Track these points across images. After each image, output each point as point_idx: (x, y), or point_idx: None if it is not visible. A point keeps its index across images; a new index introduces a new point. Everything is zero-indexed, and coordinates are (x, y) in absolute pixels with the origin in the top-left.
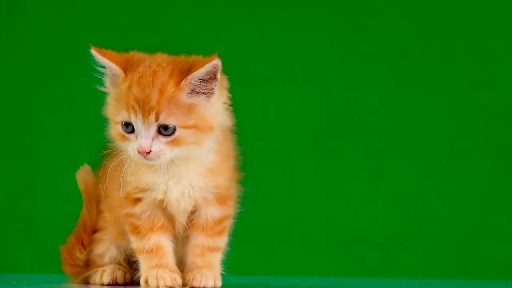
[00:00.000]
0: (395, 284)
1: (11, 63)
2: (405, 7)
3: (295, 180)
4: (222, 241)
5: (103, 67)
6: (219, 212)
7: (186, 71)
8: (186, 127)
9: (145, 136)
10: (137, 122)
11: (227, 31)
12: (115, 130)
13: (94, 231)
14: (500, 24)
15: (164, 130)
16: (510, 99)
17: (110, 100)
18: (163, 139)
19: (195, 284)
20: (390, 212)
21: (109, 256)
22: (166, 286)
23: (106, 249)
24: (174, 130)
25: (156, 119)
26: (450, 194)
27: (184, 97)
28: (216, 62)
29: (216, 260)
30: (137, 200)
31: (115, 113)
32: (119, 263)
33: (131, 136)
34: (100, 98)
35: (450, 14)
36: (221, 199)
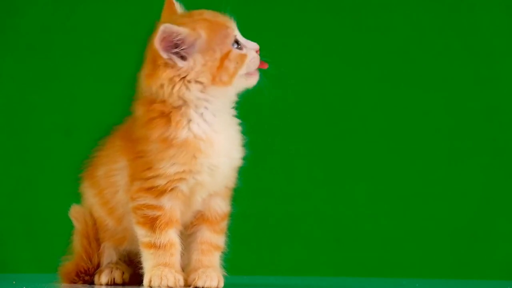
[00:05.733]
0: (395, 284)
1: (11, 63)
2: (405, 7)
3: (295, 180)
4: (223, 240)
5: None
6: (226, 206)
7: None
8: None
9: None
10: (239, 34)
11: None
12: (231, 57)
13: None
14: (500, 23)
15: None
16: (510, 99)
17: (200, 56)
18: None
19: (200, 284)
20: (390, 212)
21: (106, 256)
22: (168, 286)
23: (102, 250)
24: None
25: None
26: (450, 194)
27: None
28: None
29: (218, 261)
30: (163, 192)
31: (219, 45)
32: (116, 263)
33: (243, 50)
34: (100, 98)
35: (450, 14)
36: (227, 192)
